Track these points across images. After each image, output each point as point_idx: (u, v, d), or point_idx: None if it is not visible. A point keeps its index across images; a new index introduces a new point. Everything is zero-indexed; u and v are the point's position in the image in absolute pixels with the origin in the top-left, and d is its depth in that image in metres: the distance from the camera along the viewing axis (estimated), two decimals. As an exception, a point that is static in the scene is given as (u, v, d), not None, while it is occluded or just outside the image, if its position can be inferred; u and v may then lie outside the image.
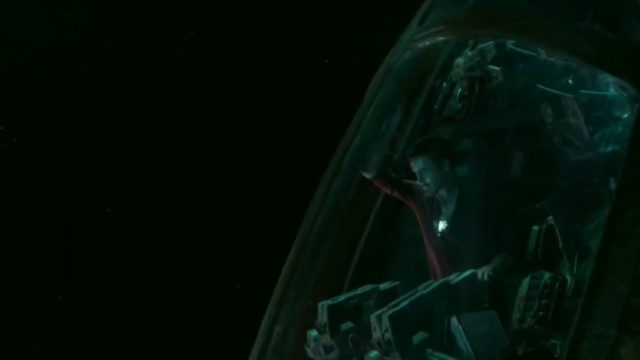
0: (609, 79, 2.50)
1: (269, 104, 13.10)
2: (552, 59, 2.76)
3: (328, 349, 3.19)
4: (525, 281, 3.10)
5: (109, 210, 14.98)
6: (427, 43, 3.18)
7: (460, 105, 3.91)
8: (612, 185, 2.37)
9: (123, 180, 14.85)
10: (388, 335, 2.59)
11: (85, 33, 13.86)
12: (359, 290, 3.30)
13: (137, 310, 13.99)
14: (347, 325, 3.18)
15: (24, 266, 14.36)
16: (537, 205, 3.48)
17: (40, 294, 14.25)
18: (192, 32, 13.15)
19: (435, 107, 3.88)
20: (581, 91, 2.89)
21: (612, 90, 2.68)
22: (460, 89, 3.91)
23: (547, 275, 3.12)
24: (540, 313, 3.06)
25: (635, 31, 2.34)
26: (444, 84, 3.86)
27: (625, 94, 2.49)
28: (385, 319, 2.62)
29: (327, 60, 12.53)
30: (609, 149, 2.69)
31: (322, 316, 3.20)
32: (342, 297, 3.29)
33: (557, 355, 2.63)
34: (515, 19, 2.65)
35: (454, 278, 2.92)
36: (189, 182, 14.95)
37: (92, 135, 14.89)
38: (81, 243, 14.65)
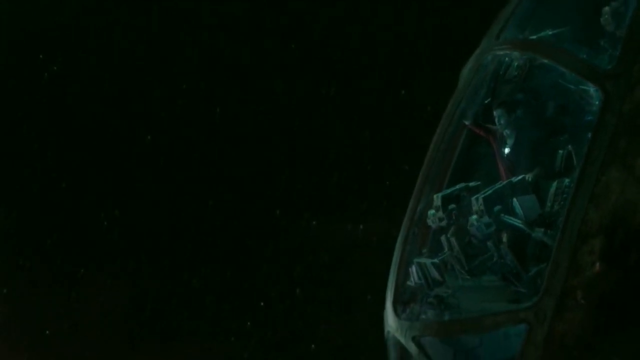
0: (591, 84, 6.46)
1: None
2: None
3: (440, 220, 7.26)
4: (554, 184, 6.88)
5: (149, 137, 18.11)
6: (501, 53, 7.18)
7: (516, 73, 7.87)
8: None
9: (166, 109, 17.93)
10: (482, 207, 6.63)
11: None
12: (457, 186, 7.37)
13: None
14: (452, 206, 7.24)
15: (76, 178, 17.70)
16: (561, 138, 7.44)
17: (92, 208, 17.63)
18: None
19: (500, 73, 7.85)
20: (580, 86, 6.84)
21: (591, 89, 6.63)
22: (517, 63, 7.87)
23: (567, 180, 7.04)
24: (562, 202, 7.07)
25: (602, 60, 6.28)
26: (506, 59, 7.82)
27: (597, 92, 6.44)
28: (480, 199, 6.69)
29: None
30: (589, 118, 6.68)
31: (437, 201, 7.23)
32: (448, 190, 7.35)
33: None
34: (547, 48, 6.57)
35: (514, 179, 6.98)
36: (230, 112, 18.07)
37: (132, 66, 17.92)
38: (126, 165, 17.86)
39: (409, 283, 7.07)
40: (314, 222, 18.09)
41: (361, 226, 18.16)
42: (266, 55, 17.92)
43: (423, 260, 6.95)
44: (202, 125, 18.28)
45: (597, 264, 5.93)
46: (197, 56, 18.33)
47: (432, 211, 7.15)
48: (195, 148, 18.30)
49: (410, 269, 7.04)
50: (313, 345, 17.37)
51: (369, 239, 17.77)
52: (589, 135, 6.10)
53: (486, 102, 7.34)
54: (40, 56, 18.18)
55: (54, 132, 18.04)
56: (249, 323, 18.06)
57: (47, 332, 17.96)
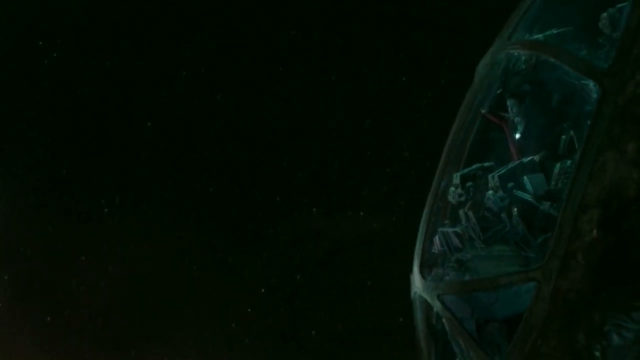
0: (590, 79, 8.14)
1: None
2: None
3: (460, 195, 8.94)
4: (558, 165, 8.28)
5: (149, 123, 19.31)
6: (512, 51, 8.89)
7: (524, 67, 9.57)
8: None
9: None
10: (497, 184, 8.29)
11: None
12: (474, 166, 9.06)
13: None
14: (469, 183, 8.92)
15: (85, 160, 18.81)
16: (564, 125, 9.11)
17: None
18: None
19: (511, 68, 9.55)
20: (580, 80, 8.54)
21: (591, 84, 8.31)
22: (524, 58, 9.57)
23: (569, 161, 8.66)
24: (565, 181, 8.77)
25: (600, 59, 7.96)
26: (516, 55, 9.52)
27: (595, 87, 8.12)
28: (495, 177, 8.36)
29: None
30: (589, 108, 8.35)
31: (456, 179, 8.91)
32: (465, 170, 9.04)
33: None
34: (552, 48, 8.30)
35: (524, 160, 8.60)
36: (231, 100, 19.21)
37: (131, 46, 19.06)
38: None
39: (433, 250, 8.76)
40: (315, 210, 19.28)
41: (361, 213, 19.45)
42: (268, 43, 19.01)
43: (446, 229, 8.64)
44: (204, 113, 19.29)
45: (595, 231, 7.41)
46: (197, 45, 19.40)
47: (452, 188, 8.81)
48: (197, 136, 19.33)
49: (434, 238, 8.74)
50: (313, 332, 18.71)
51: (370, 226, 19.14)
52: (588, 122, 7.66)
53: (499, 93, 9.03)
54: (40, 43, 18.97)
55: (54, 120, 19.19)
56: (249, 310, 19.16)
57: (48, 318, 18.98)
